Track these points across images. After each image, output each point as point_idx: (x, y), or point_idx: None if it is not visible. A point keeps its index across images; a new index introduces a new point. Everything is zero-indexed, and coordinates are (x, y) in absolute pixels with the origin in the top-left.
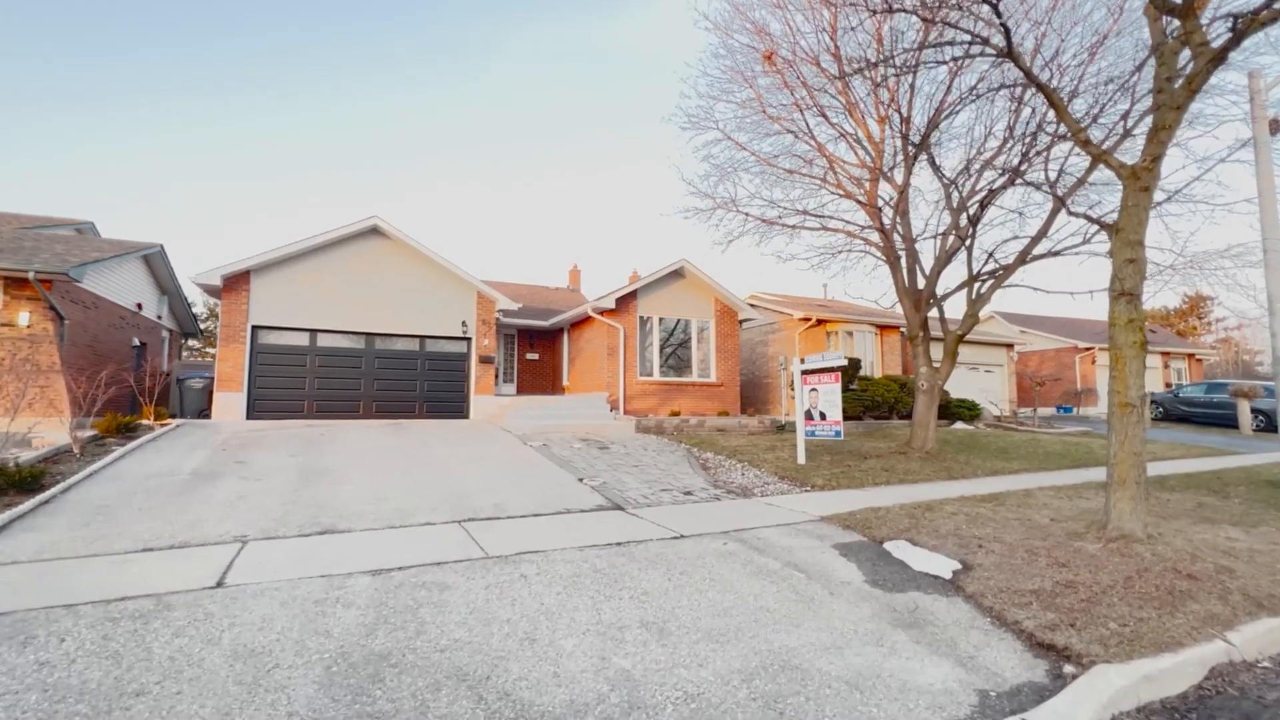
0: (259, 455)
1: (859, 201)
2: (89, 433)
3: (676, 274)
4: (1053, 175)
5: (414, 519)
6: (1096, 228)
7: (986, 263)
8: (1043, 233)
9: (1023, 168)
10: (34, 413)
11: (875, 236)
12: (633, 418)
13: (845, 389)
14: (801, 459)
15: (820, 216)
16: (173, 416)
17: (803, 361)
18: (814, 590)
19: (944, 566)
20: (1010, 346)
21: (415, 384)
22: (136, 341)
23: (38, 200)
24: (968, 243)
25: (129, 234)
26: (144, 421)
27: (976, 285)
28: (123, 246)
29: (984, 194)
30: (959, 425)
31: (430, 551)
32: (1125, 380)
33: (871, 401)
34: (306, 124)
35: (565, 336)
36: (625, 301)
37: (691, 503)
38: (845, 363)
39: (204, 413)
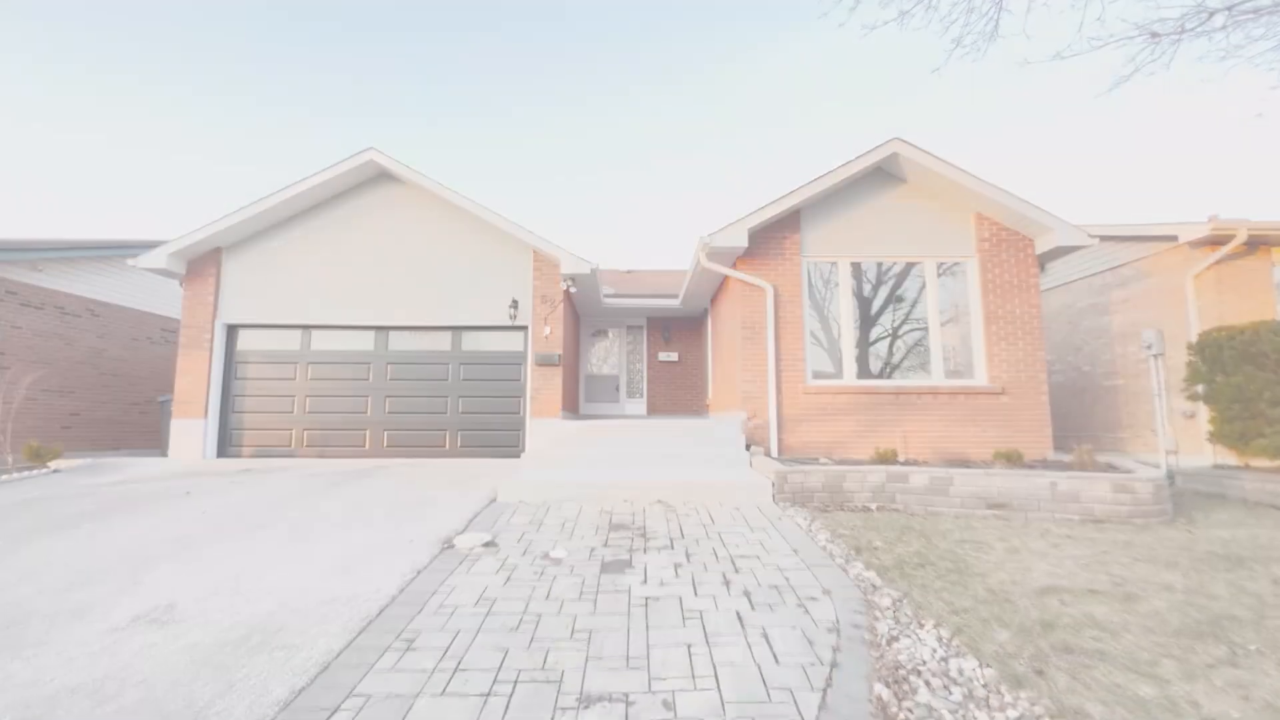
0: None
1: None
2: None
3: (882, 175)
4: None
5: None
6: None
7: None
8: None
9: None
10: None
11: None
12: (784, 464)
13: None
14: None
15: None
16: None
17: None
18: None
19: None
20: None
21: (446, 402)
22: None
23: None
24: None
25: None
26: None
27: None
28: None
29: None
30: None
31: None
32: None
33: None
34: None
35: (708, 322)
36: (773, 238)
37: None
38: None
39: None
